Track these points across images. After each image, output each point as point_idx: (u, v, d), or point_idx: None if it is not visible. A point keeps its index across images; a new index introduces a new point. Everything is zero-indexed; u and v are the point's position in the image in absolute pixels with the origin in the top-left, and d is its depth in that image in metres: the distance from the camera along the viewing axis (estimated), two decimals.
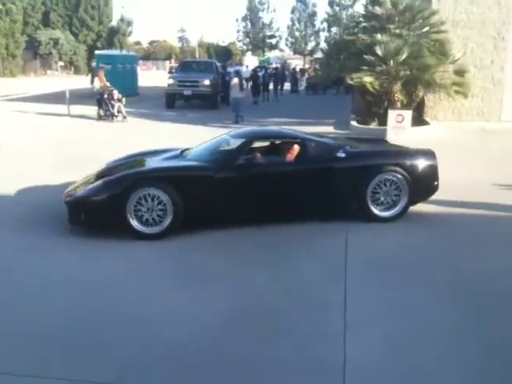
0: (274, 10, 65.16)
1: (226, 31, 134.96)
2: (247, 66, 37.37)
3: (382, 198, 6.26)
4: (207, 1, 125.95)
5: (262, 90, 25.91)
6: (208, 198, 5.89)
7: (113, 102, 16.54)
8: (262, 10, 64.85)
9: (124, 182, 5.79)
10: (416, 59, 13.49)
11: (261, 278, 4.80)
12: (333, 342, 3.67)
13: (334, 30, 57.62)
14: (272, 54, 63.25)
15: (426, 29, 14.40)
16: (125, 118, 16.55)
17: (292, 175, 6.21)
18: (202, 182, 5.92)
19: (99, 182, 5.98)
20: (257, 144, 6.58)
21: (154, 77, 42.10)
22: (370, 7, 16.61)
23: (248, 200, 6.08)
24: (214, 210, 5.96)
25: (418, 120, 14.71)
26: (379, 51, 13.60)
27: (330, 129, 14.93)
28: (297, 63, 49.68)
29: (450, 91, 14.25)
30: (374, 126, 14.65)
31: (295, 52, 63.89)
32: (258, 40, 64.77)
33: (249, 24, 64.87)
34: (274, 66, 51.21)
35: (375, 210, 6.26)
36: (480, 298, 4.37)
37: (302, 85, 32.44)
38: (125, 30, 55.12)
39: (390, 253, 5.44)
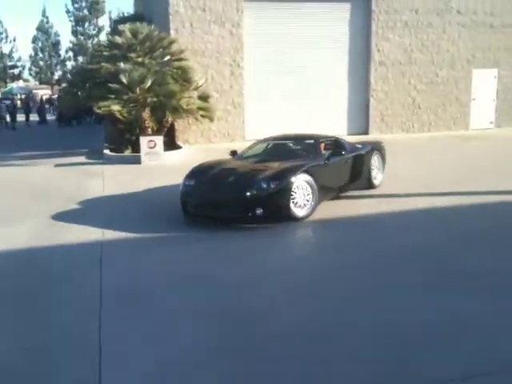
0: (14, 40, 60.32)
1: None
2: None
3: (375, 170, 9.43)
4: None
5: (11, 120, 25.88)
6: (323, 181, 7.82)
7: None
8: (0, 40, 59.89)
9: (288, 176, 7.27)
10: (161, 86, 13.89)
11: None
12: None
13: (80, 58, 56.12)
14: (15, 85, 58.86)
15: (168, 57, 14.92)
16: None
17: (346, 161, 8.74)
18: (322, 169, 7.97)
19: (259, 179, 7.21)
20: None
21: None
22: (110, 37, 16.64)
23: (332, 179, 8.27)
24: (325, 187, 7.91)
25: (171, 144, 15.13)
26: (124, 79, 13.67)
27: (82, 159, 14.43)
28: (44, 93, 47.15)
29: (196, 116, 15.00)
30: (128, 153, 14.60)
31: (41, 82, 60.45)
32: None
33: None
34: (18, 96, 47.83)
35: (374, 179, 9.38)
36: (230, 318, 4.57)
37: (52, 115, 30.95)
38: None
39: (146, 276, 5.40)
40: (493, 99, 19.26)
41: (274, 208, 7.11)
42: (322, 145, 8.69)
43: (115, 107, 13.51)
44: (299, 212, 7.30)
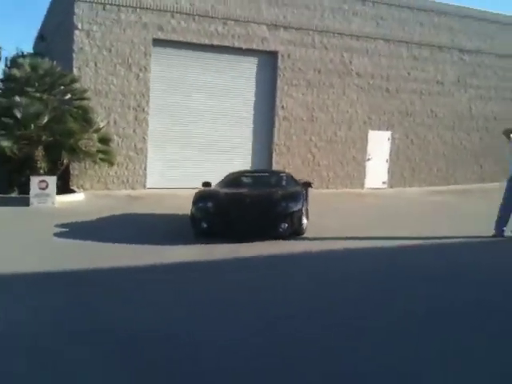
0: None
1: None
2: None
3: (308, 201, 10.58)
4: None
5: None
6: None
7: None
8: None
9: (299, 198, 8.97)
10: (59, 124, 13.11)
11: None
12: None
13: None
14: None
15: (69, 95, 14.19)
16: None
17: (307, 190, 10.65)
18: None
19: (277, 199, 8.76)
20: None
21: None
22: (7, 70, 15.68)
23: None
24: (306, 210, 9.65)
25: (64, 189, 14.14)
26: (18, 114, 12.76)
27: None
28: None
29: (95, 159, 14.27)
30: (15, 194, 13.44)
31: None
32: None
33: None
34: None
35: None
36: None
37: None
38: None
39: None
40: (386, 160, 20.24)
41: (292, 224, 8.55)
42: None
43: (4, 143, 12.47)
44: (302, 228, 8.91)
